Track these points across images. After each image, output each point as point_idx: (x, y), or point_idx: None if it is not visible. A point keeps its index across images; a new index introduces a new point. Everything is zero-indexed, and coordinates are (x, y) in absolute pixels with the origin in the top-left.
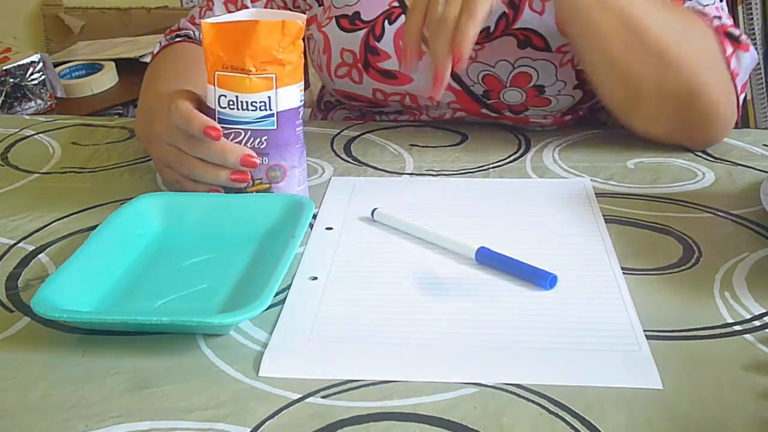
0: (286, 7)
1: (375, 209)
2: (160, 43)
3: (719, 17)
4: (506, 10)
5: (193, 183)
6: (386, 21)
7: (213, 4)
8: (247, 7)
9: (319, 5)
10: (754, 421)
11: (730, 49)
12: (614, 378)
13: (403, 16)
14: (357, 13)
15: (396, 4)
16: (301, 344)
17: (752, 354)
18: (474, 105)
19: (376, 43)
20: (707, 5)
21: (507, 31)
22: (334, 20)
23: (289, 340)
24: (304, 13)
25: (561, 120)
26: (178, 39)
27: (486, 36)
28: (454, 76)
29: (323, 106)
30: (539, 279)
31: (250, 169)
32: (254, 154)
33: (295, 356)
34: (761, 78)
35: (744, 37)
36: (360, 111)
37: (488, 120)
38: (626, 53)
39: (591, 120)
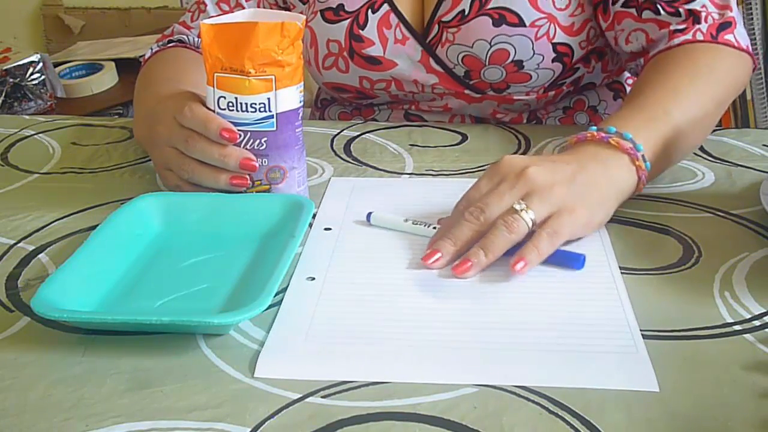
0: (276, 6)
1: (370, 213)
2: (152, 48)
3: (704, 11)
4: None
5: (193, 187)
6: (369, 10)
7: (206, 6)
8: (243, 7)
9: (303, 3)
10: (754, 421)
11: (731, 38)
12: (611, 380)
13: (385, 4)
14: (341, 5)
15: None
16: (297, 345)
17: (752, 354)
18: (457, 86)
19: (360, 31)
20: None
21: (481, 12)
22: (319, 14)
23: (285, 341)
24: (289, 11)
25: (545, 95)
26: (170, 44)
27: (461, 19)
28: (436, 59)
29: (320, 104)
30: (571, 261)
31: (249, 172)
32: (253, 157)
33: (291, 357)
34: (761, 78)
35: (728, 12)
36: (352, 105)
37: (474, 103)
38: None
39: (579, 102)
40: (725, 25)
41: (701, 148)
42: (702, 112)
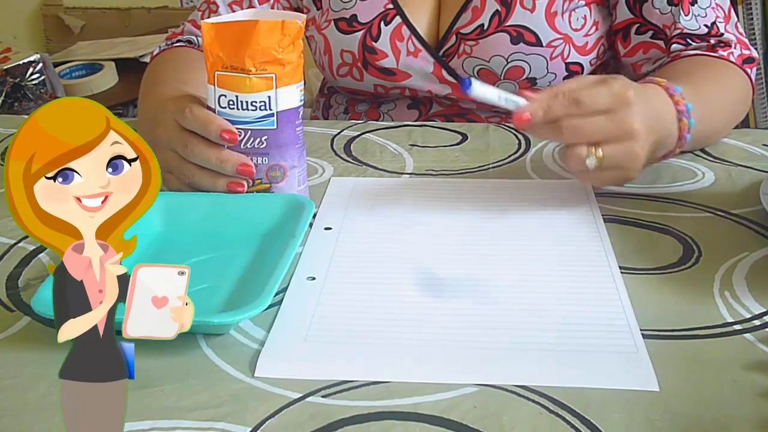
0: (291, 8)
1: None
2: (160, 46)
3: (722, 38)
4: (499, 8)
5: (195, 191)
6: (382, 22)
7: (217, 7)
8: (254, 8)
9: (318, 8)
10: (754, 421)
11: (752, 73)
12: (611, 380)
13: (398, 16)
14: (354, 16)
15: (391, 6)
16: (298, 345)
17: (752, 353)
18: (469, 98)
19: (374, 43)
20: (706, 8)
21: (500, 28)
22: (332, 23)
23: (286, 341)
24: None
25: None
26: (179, 44)
27: (480, 33)
28: (450, 70)
29: (326, 90)
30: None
31: (246, 177)
32: (251, 163)
33: (291, 357)
34: (761, 78)
35: (753, 51)
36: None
37: (483, 110)
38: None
39: None
40: (749, 60)
41: (701, 148)
42: (718, 121)
